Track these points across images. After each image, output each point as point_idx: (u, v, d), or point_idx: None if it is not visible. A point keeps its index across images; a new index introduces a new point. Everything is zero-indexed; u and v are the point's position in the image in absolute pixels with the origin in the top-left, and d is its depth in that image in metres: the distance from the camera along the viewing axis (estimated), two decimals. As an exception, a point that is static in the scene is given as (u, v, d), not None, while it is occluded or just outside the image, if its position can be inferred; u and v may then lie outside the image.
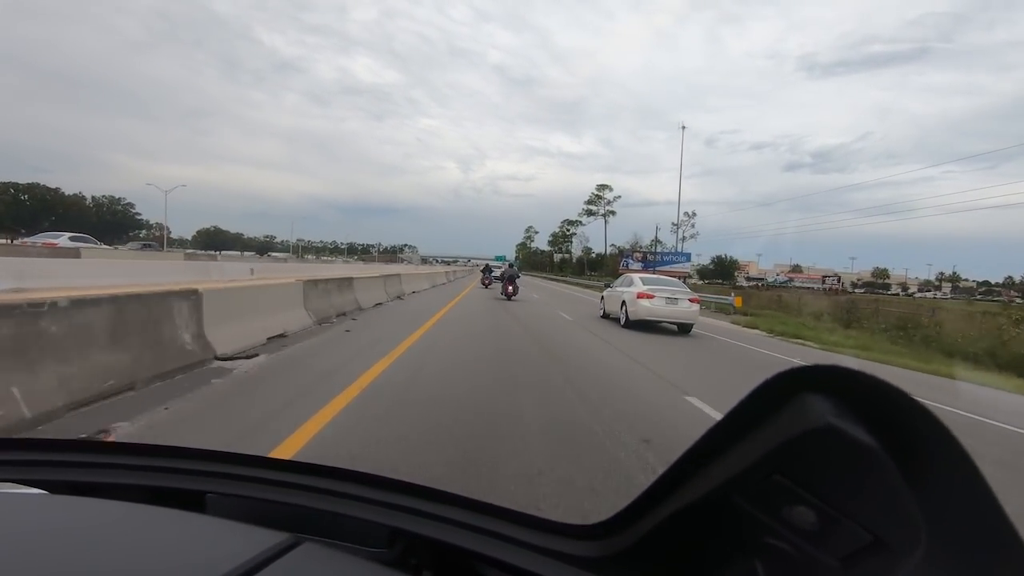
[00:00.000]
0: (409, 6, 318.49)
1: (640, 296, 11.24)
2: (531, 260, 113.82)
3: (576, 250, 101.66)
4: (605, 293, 14.22)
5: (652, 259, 58.21)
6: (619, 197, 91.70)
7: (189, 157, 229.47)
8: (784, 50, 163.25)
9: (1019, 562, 0.37)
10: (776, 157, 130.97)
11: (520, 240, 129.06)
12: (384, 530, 0.66)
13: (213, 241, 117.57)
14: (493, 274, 26.45)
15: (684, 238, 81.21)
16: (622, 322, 11.85)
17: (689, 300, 11.35)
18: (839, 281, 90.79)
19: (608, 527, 0.56)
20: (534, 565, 0.57)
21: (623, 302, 11.91)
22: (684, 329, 11.62)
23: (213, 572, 0.47)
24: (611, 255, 78.10)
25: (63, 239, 23.45)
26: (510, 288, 17.73)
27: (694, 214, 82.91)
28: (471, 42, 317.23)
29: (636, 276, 12.65)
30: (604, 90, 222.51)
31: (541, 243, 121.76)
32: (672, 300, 11.19)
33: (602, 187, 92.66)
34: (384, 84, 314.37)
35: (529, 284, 35.87)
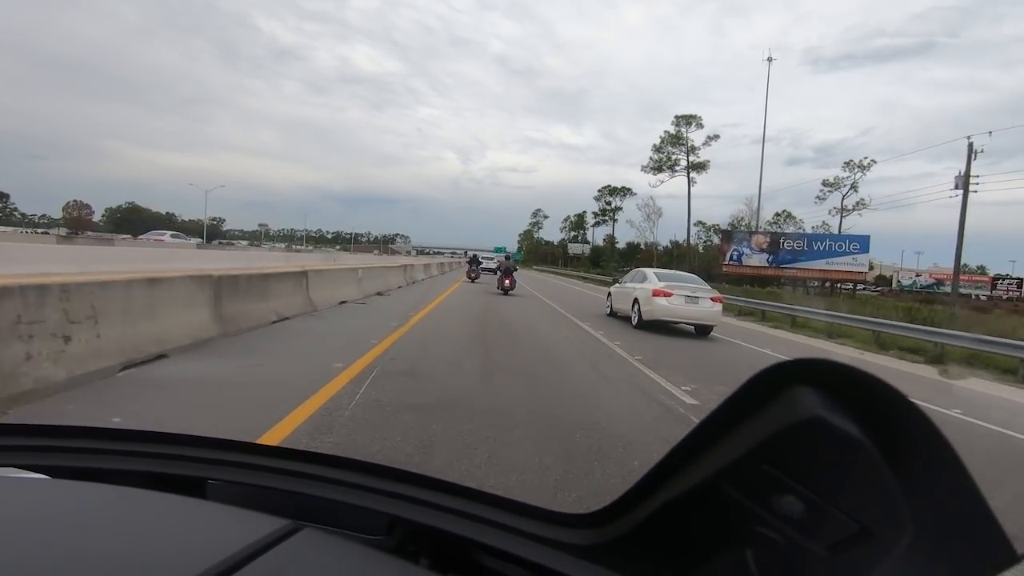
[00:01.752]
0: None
1: (656, 294, 9.99)
2: (538, 252, 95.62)
3: (620, 240, 75.80)
4: (613, 289, 12.97)
5: (794, 248, 31.43)
6: (715, 138, 51.20)
7: (187, 145, 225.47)
8: (789, 43, 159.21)
9: (999, 549, 0.38)
10: (778, 151, 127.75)
11: (525, 228, 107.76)
12: (383, 518, 0.67)
13: (129, 222, 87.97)
14: (482, 266, 22.82)
15: (845, 210, 42.73)
16: (634, 322, 10.60)
17: (711, 299, 10.13)
18: (1020, 286, 50.35)
19: (603, 516, 0.57)
20: (530, 553, 0.57)
21: (635, 300, 10.65)
22: (703, 331, 10.40)
23: (213, 557, 0.47)
24: (707, 244, 51.41)
25: (167, 236, 31.80)
26: (507, 282, 16.71)
27: (866, 166, 42.29)
28: (473, 31, 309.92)
29: (650, 271, 11.35)
30: (606, 81, 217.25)
31: (551, 231, 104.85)
32: (692, 299, 9.95)
33: (686, 119, 50.84)
34: (384, 73, 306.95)
35: (539, 283, 27.78)
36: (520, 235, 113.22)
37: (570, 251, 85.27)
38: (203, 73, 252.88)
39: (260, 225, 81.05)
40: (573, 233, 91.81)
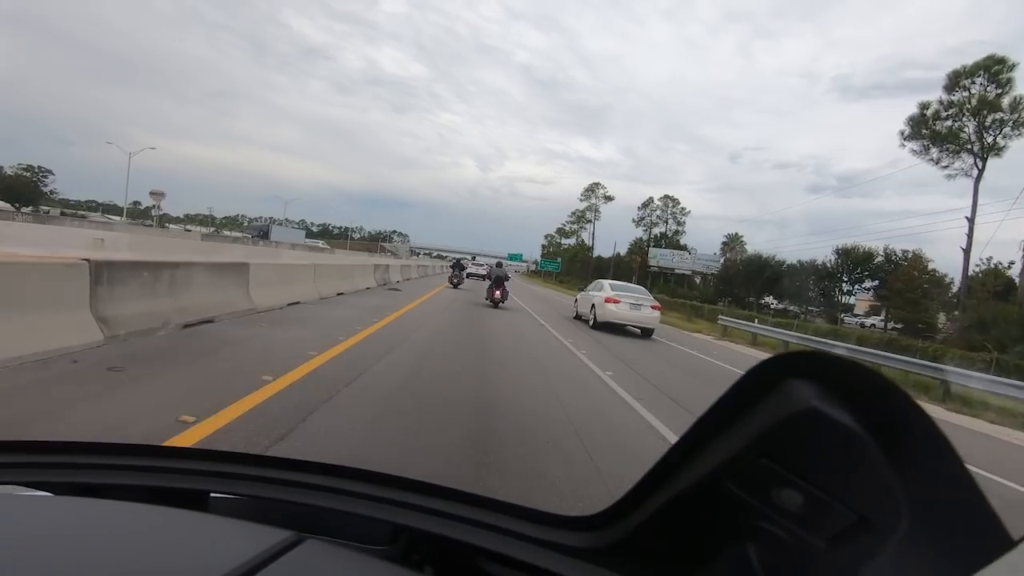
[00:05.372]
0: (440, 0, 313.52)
1: (607, 300, 12.37)
2: (588, 263, 61.57)
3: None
4: (579, 296, 15.41)
5: None
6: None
7: (212, 137, 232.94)
8: (818, 69, 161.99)
9: (994, 536, 0.38)
10: (801, 178, 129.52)
11: (565, 222, 74.17)
12: (386, 527, 0.68)
13: None
14: (467, 271, 21.78)
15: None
16: (591, 324, 12.97)
17: (651, 307, 12.57)
18: None
19: (605, 518, 0.58)
20: (534, 558, 0.59)
21: (593, 305, 13.05)
22: (646, 333, 12.79)
23: (216, 571, 0.47)
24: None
25: (321, 243, 38.74)
26: (497, 293, 13.94)
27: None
28: (499, 40, 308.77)
29: (607, 282, 13.82)
30: (629, 97, 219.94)
31: (613, 223, 70.49)
32: (636, 306, 12.34)
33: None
34: (409, 77, 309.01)
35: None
36: (547, 236, 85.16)
37: (654, 261, 50.59)
38: (231, 68, 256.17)
39: (153, 194, 44.92)
40: (658, 230, 56.65)
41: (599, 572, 0.56)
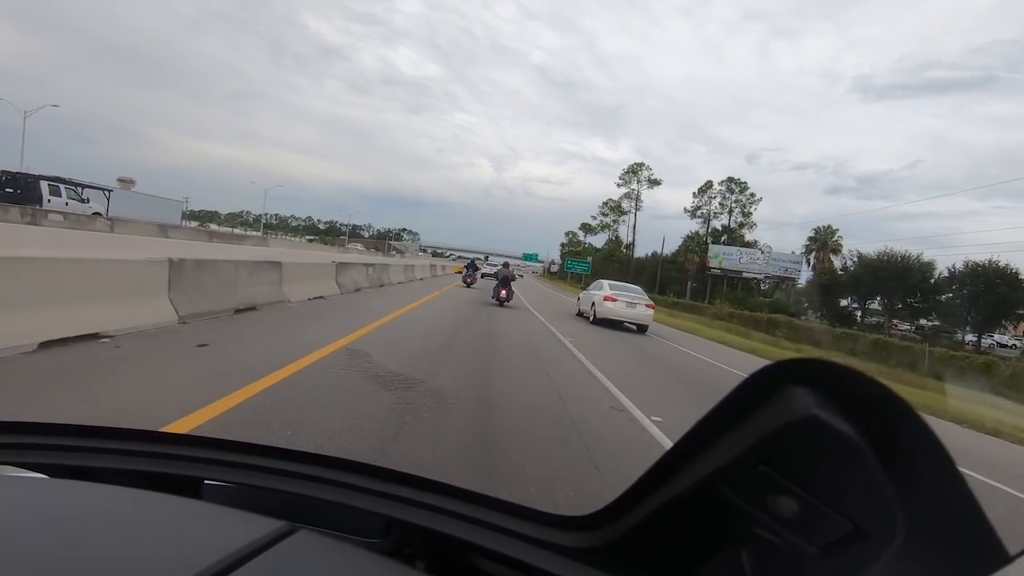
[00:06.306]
0: (456, 0, 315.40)
1: (606, 299, 13.62)
2: (624, 264, 51.16)
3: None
4: (581, 294, 16.70)
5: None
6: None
7: (231, 137, 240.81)
8: (838, 69, 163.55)
9: (991, 552, 0.38)
10: (819, 179, 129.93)
11: (593, 215, 62.78)
12: (379, 520, 0.69)
13: None
14: (479, 271, 23.19)
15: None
16: (591, 319, 14.22)
17: (645, 305, 13.84)
18: None
19: (599, 518, 0.58)
20: (526, 556, 0.59)
21: (593, 302, 14.31)
22: (641, 329, 13.99)
23: (208, 558, 0.47)
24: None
25: (359, 246, 33.76)
26: (503, 292, 14.50)
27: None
28: (515, 40, 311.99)
29: (606, 282, 15.02)
30: (645, 98, 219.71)
31: (653, 216, 62.58)
32: (631, 304, 13.59)
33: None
34: (424, 77, 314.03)
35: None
36: (568, 234, 76.59)
37: (715, 262, 40.20)
38: (250, 68, 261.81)
39: (121, 181, 37.48)
40: (718, 223, 44.42)
41: (592, 572, 0.57)
